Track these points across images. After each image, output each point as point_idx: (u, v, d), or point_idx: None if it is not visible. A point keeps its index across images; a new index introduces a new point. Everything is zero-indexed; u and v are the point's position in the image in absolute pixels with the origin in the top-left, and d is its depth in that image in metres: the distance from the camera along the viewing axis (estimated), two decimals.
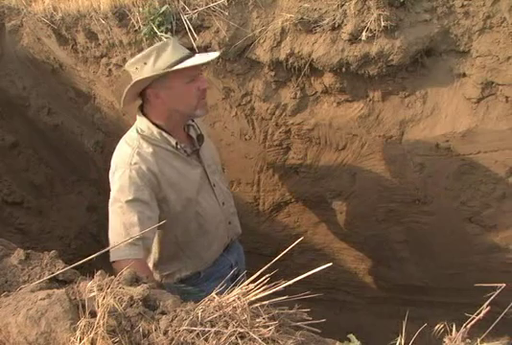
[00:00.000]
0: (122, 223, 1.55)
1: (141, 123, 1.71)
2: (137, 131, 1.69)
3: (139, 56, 1.63)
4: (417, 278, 2.63)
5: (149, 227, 1.52)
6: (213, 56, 1.70)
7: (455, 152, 2.10)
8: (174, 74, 1.60)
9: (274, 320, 0.91)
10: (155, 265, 1.89)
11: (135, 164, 1.60)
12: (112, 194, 1.61)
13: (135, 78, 1.63)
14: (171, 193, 1.68)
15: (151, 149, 1.65)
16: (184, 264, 1.86)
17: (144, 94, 1.67)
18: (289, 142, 2.49)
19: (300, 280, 0.92)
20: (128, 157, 1.62)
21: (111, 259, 1.54)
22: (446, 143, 2.09)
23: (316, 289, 1.82)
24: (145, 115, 1.71)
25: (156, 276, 1.89)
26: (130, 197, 1.56)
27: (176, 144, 1.70)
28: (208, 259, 1.90)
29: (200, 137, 1.83)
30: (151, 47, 1.63)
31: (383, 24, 1.86)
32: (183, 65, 1.58)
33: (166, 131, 1.69)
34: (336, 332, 1.03)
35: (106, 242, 1.62)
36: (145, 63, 1.60)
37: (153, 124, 1.68)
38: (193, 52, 1.69)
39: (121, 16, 2.36)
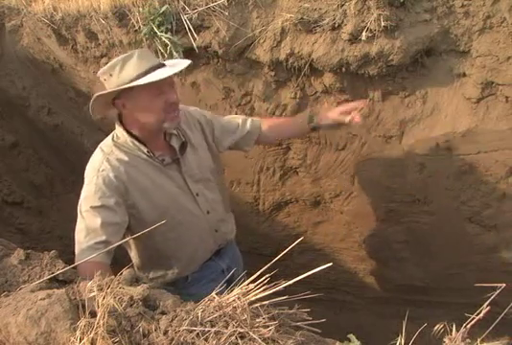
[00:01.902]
0: (85, 228, 1.56)
1: (117, 130, 1.70)
2: (112, 138, 1.69)
3: (106, 66, 1.59)
4: (417, 278, 2.63)
5: (111, 233, 1.54)
6: (180, 66, 1.61)
7: (455, 152, 2.10)
8: (139, 86, 1.54)
9: (274, 320, 0.91)
10: (138, 269, 1.88)
11: (103, 171, 1.60)
12: (81, 198, 1.63)
13: (106, 87, 1.61)
14: (142, 200, 1.67)
15: (122, 157, 1.64)
16: (167, 270, 1.85)
17: (114, 103, 1.65)
18: (289, 142, 2.49)
19: (300, 280, 0.92)
20: (98, 164, 1.62)
21: (75, 262, 1.54)
22: (446, 143, 2.09)
23: (316, 289, 1.82)
24: (121, 123, 1.69)
25: None
26: (95, 204, 1.57)
27: (149, 152, 1.67)
28: (193, 265, 1.88)
29: (184, 145, 1.77)
30: (117, 58, 1.58)
31: (383, 24, 1.86)
32: (145, 81, 1.51)
33: (139, 140, 1.67)
34: (336, 332, 1.03)
35: None
36: (110, 75, 1.57)
37: (128, 132, 1.67)
38: (162, 63, 1.61)
39: (121, 16, 2.36)
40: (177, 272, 1.85)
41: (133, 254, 1.86)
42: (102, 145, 1.71)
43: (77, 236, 1.59)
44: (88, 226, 1.56)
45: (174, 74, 1.59)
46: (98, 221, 1.55)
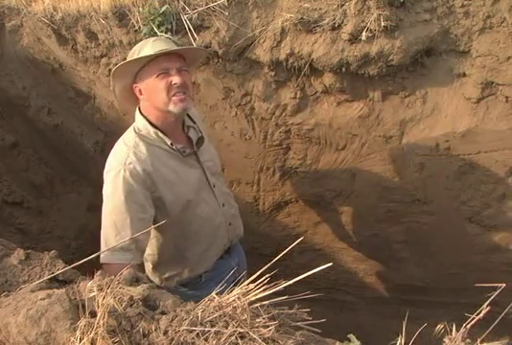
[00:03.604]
0: (114, 225, 1.55)
1: (138, 122, 1.71)
2: (134, 131, 1.69)
3: (130, 52, 1.69)
4: (417, 278, 2.63)
5: (140, 229, 1.52)
6: (188, 47, 1.71)
7: (455, 152, 2.10)
8: (148, 67, 1.62)
9: (274, 320, 0.91)
10: (155, 268, 1.87)
11: (130, 164, 1.59)
12: (106, 193, 1.61)
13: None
14: (167, 193, 1.67)
15: (147, 149, 1.64)
16: (183, 266, 1.84)
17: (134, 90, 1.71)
18: (289, 142, 2.49)
19: (300, 280, 0.92)
20: (124, 157, 1.61)
21: (102, 260, 1.54)
22: (446, 143, 2.09)
23: (316, 289, 1.82)
24: (142, 114, 1.71)
25: (156, 279, 1.87)
26: (123, 199, 1.55)
27: (171, 144, 1.69)
28: (208, 261, 1.88)
29: (201, 140, 1.81)
30: (138, 44, 1.70)
31: (383, 24, 1.86)
32: (145, 53, 1.60)
33: (162, 131, 1.69)
34: (336, 332, 1.03)
35: None
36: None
37: (150, 123, 1.68)
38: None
39: (121, 16, 2.36)
40: (192, 270, 1.84)
41: (150, 251, 1.83)
42: (123, 139, 1.71)
43: (105, 233, 1.58)
44: (117, 223, 1.55)
45: (177, 50, 1.66)
46: (127, 218, 1.54)
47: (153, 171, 1.63)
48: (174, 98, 1.61)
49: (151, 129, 1.67)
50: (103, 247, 1.57)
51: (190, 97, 1.67)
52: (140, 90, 1.67)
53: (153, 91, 1.63)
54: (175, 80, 1.60)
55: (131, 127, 1.72)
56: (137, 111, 1.73)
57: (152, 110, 1.68)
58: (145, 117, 1.70)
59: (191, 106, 1.71)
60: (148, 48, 1.62)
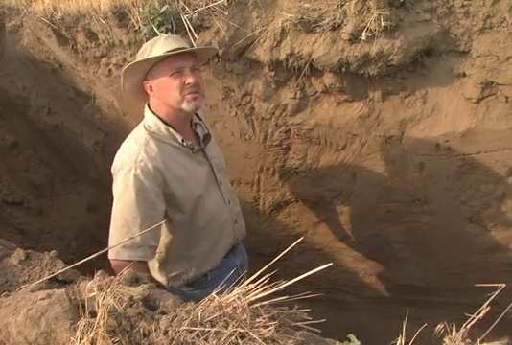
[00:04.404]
0: (125, 222, 1.56)
1: (148, 119, 1.72)
2: (144, 128, 1.69)
3: (138, 52, 1.70)
4: (417, 278, 2.63)
5: (150, 227, 1.52)
6: (202, 47, 1.73)
7: (455, 152, 2.10)
8: (161, 65, 1.62)
9: (274, 320, 0.91)
10: (161, 266, 1.86)
11: (141, 161, 1.59)
12: (116, 191, 1.61)
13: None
14: (179, 189, 1.68)
15: (157, 146, 1.65)
16: (190, 264, 1.84)
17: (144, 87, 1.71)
18: (289, 142, 2.49)
19: (300, 280, 0.92)
20: (135, 154, 1.61)
21: (111, 256, 1.55)
22: (446, 143, 2.09)
23: (316, 289, 1.82)
24: (151, 111, 1.72)
25: (163, 278, 1.87)
26: (134, 196, 1.56)
27: (183, 140, 1.70)
28: (214, 259, 1.88)
29: (207, 137, 1.83)
30: (147, 42, 1.70)
31: (383, 24, 1.86)
32: (160, 52, 1.60)
33: (172, 127, 1.69)
34: (336, 332, 1.03)
35: (106, 242, 1.62)
36: (143, 58, 1.67)
37: (160, 120, 1.69)
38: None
39: (121, 16, 2.36)
40: (199, 268, 1.84)
41: (161, 248, 1.82)
42: (134, 135, 1.71)
43: (117, 230, 1.59)
44: (128, 221, 1.56)
45: (192, 50, 1.68)
46: (138, 216, 1.55)
47: (164, 168, 1.64)
48: (187, 96, 1.63)
49: (162, 126, 1.68)
50: (111, 244, 1.57)
51: (202, 95, 1.68)
52: (151, 87, 1.67)
53: (166, 89, 1.63)
54: (189, 79, 1.61)
55: (141, 125, 1.73)
56: (146, 108, 1.74)
57: (163, 107, 1.68)
58: (154, 113, 1.70)
59: (203, 104, 1.72)
60: (159, 46, 1.62)
